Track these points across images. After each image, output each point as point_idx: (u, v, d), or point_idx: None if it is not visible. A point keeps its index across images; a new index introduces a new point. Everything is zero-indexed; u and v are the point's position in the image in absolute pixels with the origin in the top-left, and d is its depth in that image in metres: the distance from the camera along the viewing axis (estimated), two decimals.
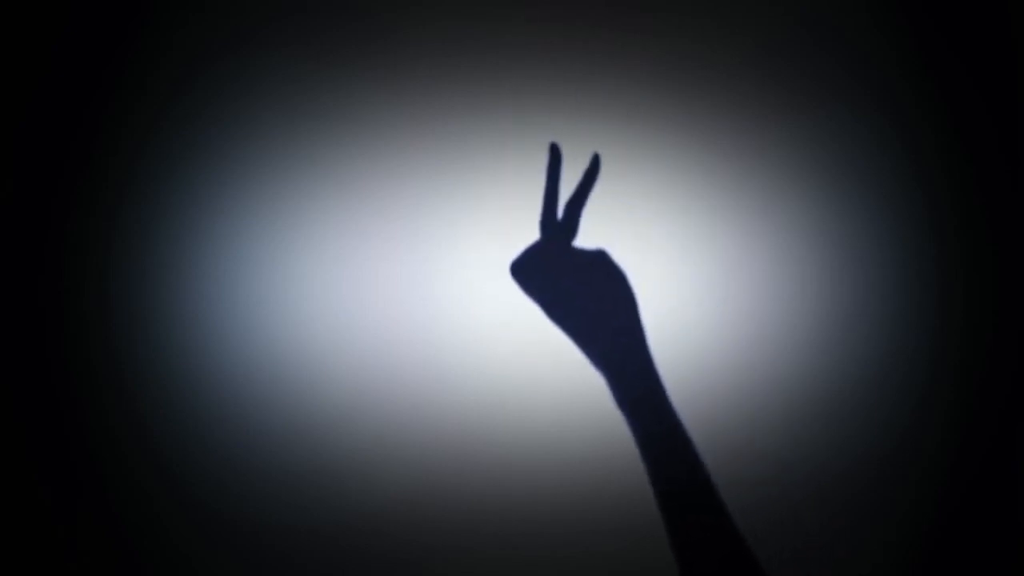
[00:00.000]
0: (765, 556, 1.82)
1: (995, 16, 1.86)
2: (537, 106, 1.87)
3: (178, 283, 1.85)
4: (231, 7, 1.88)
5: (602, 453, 1.83)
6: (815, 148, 1.87)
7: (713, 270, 1.85)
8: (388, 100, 1.88)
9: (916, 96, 1.86)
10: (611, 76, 1.87)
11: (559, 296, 1.21)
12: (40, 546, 1.81)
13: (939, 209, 1.85)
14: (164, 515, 1.82)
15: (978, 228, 1.85)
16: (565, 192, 1.85)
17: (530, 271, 1.22)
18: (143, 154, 1.87)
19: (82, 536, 1.81)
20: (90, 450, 1.83)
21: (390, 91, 1.88)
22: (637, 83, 1.88)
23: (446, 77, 1.88)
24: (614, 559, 1.82)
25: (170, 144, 1.87)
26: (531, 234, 1.86)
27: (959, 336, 1.83)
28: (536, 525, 1.83)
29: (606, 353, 1.18)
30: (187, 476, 1.83)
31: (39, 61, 1.86)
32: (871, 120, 1.86)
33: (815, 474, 1.82)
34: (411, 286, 1.85)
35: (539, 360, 1.85)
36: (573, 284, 1.21)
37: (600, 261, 1.22)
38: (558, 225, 1.24)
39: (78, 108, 1.87)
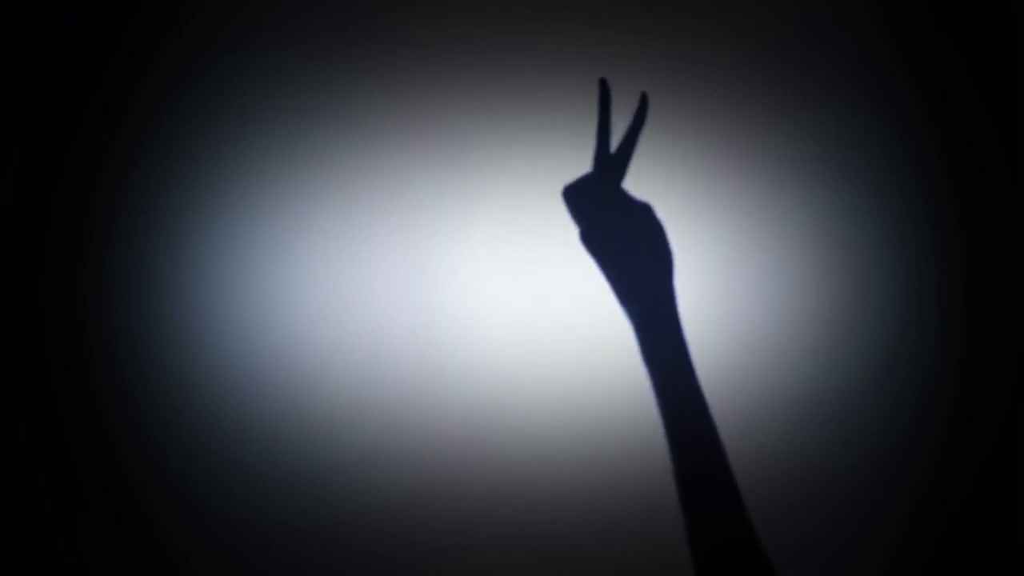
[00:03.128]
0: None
1: (996, 16, 1.86)
2: (537, 106, 1.87)
3: (178, 283, 1.85)
4: (231, 7, 1.88)
5: (603, 453, 1.83)
6: (815, 148, 1.87)
7: (712, 270, 1.85)
8: (389, 100, 1.88)
9: (916, 96, 1.86)
10: (611, 76, 1.87)
11: (600, 225, 1.25)
12: (40, 546, 1.81)
13: (939, 209, 1.85)
14: (164, 515, 1.82)
15: (978, 227, 1.85)
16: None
17: (579, 195, 1.27)
18: (143, 154, 1.87)
19: (82, 536, 1.81)
20: (90, 450, 1.83)
21: (391, 91, 1.88)
22: (637, 83, 1.88)
23: (446, 77, 1.88)
24: (614, 559, 1.82)
25: (170, 144, 1.87)
26: (531, 234, 1.86)
27: (959, 336, 1.84)
28: (537, 525, 1.83)
29: (633, 291, 1.21)
30: (187, 476, 1.83)
31: (39, 61, 1.86)
32: (871, 120, 1.86)
33: (815, 474, 1.82)
34: (411, 286, 1.85)
35: (540, 359, 1.85)
36: (615, 218, 1.25)
37: (645, 210, 1.26)
38: (609, 162, 1.28)
39: (78, 108, 1.87)
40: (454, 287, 1.85)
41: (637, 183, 1.87)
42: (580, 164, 1.85)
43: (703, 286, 1.84)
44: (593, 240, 1.25)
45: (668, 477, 1.82)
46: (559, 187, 1.85)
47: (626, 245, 1.24)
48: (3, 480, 1.81)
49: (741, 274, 1.84)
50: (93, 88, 1.87)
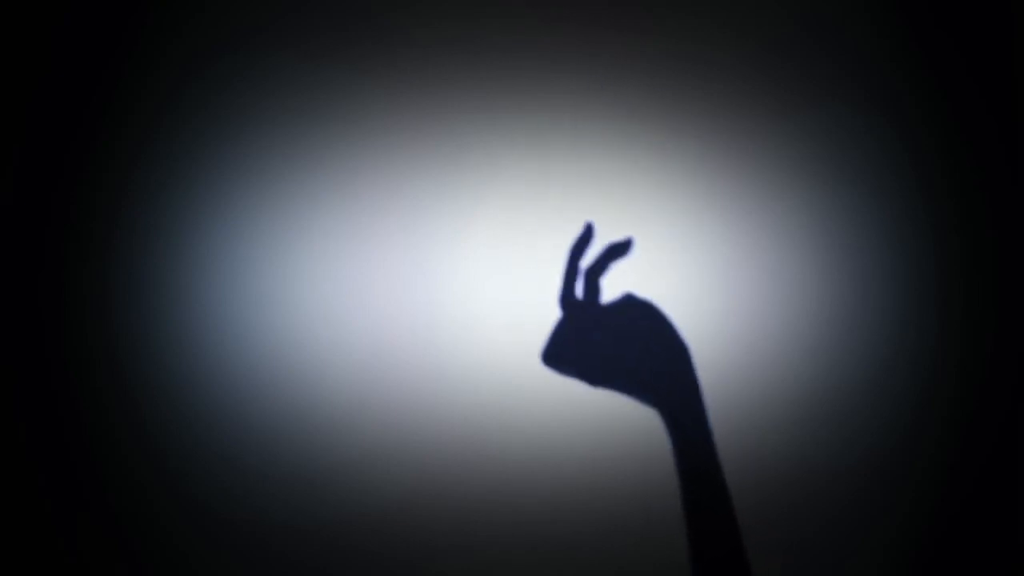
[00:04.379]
0: (764, 557, 1.82)
1: (996, 16, 1.86)
2: (537, 106, 1.87)
3: (178, 283, 1.85)
4: (231, 7, 1.88)
5: (603, 453, 1.83)
6: (815, 148, 1.87)
7: (712, 270, 1.85)
8: (389, 100, 1.88)
9: (916, 96, 1.87)
10: (611, 76, 1.88)
11: (602, 366, 1.17)
12: (40, 546, 1.81)
13: (939, 209, 1.85)
14: (164, 515, 1.82)
15: (978, 227, 1.85)
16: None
17: (563, 353, 1.18)
18: (143, 154, 1.87)
19: (82, 536, 1.81)
20: (90, 450, 1.83)
21: (391, 91, 1.88)
22: (637, 83, 1.88)
23: (446, 77, 1.88)
24: (614, 559, 1.82)
25: (170, 144, 1.87)
26: (531, 234, 1.86)
27: (959, 336, 1.84)
28: (537, 525, 1.83)
29: (660, 394, 1.15)
30: (187, 476, 1.83)
31: (39, 61, 1.86)
32: (871, 120, 1.86)
33: (815, 474, 1.82)
34: (411, 286, 1.85)
35: (540, 359, 1.85)
36: (612, 347, 1.17)
37: (626, 308, 1.18)
38: (578, 296, 1.19)
39: (78, 108, 1.87)
40: (454, 287, 1.85)
41: (635, 184, 1.87)
42: (579, 165, 1.85)
43: (703, 286, 1.84)
44: (609, 383, 1.17)
45: (668, 477, 1.82)
46: (559, 187, 1.85)
47: (636, 364, 1.15)
48: (3, 480, 1.81)
49: (741, 274, 1.85)
50: (93, 88, 1.87)
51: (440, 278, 1.85)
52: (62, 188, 1.86)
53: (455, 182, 1.86)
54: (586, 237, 1.19)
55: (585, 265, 1.19)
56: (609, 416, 1.84)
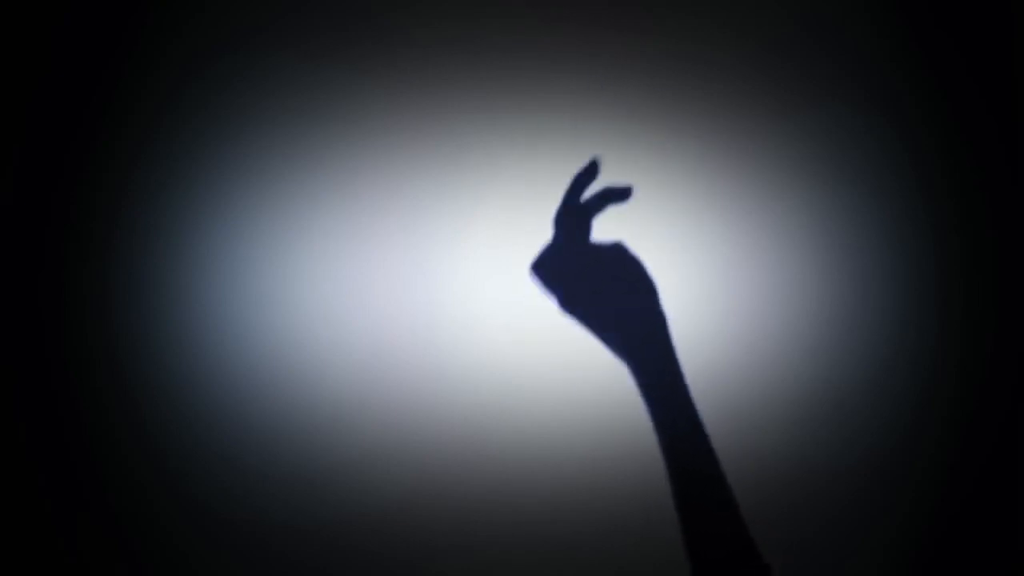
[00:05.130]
0: (764, 557, 1.82)
1: (996, 16, 1.86)
2: (537, 106, 1.87)
3: (178, 283, 1.85)
4: (231, 7, 1.88)
5: (603, 453, 1.83)
6: (815, 148, 1.87)
7: (713, 270, 1.85)
8: (389, 100, 1.88)
9: (916, 96, 1.86)
10: (611, 76, 1.87)
11: (576, 290, 1.22)
12: (40, 546, 1.81)
13: (939, 209, 1.85)
14: (164, 515, 1.82)
15: (978, 227, 1.85)
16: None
17: (549, 268, 1.23)
18: (143, 154, 1.87)
19: (82, 536, 1.81)
20: (90, 450, 1.83)
21: (391, 91, 1.88)
22: (637, 83, 1.88)
23: (446, 77, 1.88)
24: (614, 559, 1.82)
25: (170, 144, 1.87)
26: (531, 234, 1.86)
27: (959, 336, 1.83)
28: (537, 525, 1.83)
29: (627, 343, 1.19)
30: (187, 476, 1.83)
31: (39, 61, 1.86)
32: (871, 120, 1.86)
33: (815, 474, 1.82)
34: (411, 286, 1.85)
35: (540, 360, 1.85)
36: (591, 278, 1.21)
37: (617, 254, 1.22)
38: (572, 224, 1.24)
39: (78, 108, 1.87)
40: (454, 287, 1.85)
41: (635, 184, 1.87)
42: (579, 165, 1.85)
43: (703, 286, 1.84)
44: (576, 310, 1.21)
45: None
46: (559, 187, 1.85)
47: (608, 301, 1.20)
48: (3, 480, 1.81)
49: (741, 274, 1.84)
50: (93, 88, 1.87)
51: (440, 278, 1.85)
52: (62, 188, 1.86)
53: (455, 182, 1.86)
54: (590, 171, 1.22)
55: (584, 199, 1.23)
56: (609, 416, 1.84)
